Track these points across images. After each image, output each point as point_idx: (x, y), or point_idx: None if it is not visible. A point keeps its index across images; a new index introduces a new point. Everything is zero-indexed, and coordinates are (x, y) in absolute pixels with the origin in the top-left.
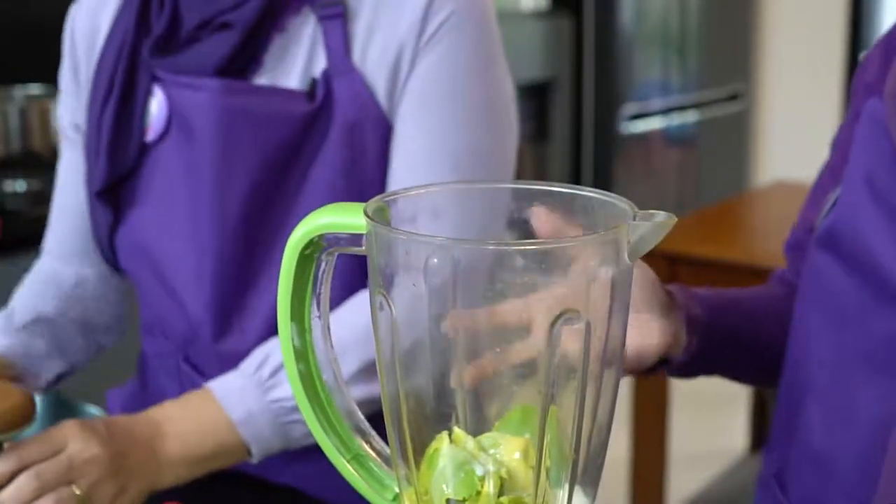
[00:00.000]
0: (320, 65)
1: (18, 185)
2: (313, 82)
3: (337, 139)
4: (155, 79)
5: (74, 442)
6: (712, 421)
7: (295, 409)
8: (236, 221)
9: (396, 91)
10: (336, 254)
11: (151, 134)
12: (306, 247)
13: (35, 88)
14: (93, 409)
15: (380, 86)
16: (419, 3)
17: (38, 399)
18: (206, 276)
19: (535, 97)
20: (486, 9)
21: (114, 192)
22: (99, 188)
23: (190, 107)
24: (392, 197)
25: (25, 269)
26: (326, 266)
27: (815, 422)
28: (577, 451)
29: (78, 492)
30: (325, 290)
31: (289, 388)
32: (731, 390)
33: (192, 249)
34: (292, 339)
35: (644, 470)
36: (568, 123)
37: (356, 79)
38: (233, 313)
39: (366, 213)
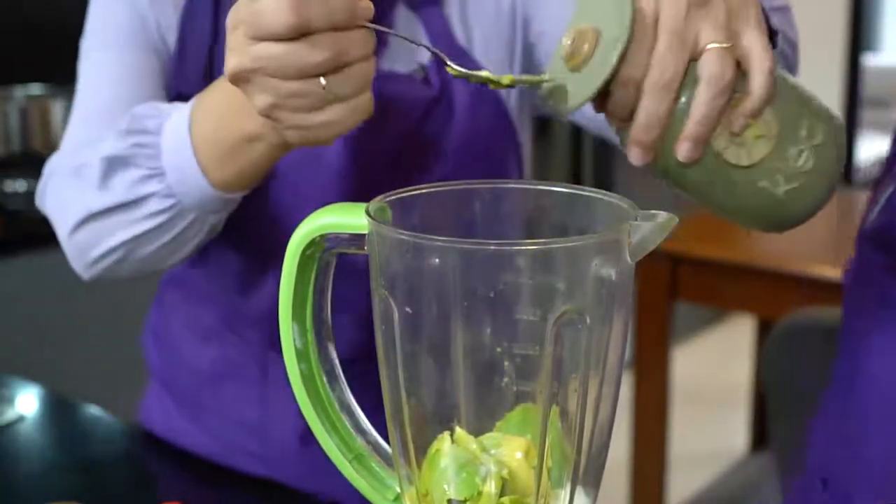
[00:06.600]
0: (424, 53)
1: (18, 185)
2: (423, 69)
3: (460, 120)
4: None
5: None
6: (712, 421)
7: None
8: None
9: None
10: (337, 254)
11: None
12: (308, 247)
13: (35, 88)
14: (93, 409)
15: (492, 63)
16: None
17: (36, 398)
18: None
19: None
20: None
21: None
22: None
23: None
24: (394, 197)
25: (25, 269)
26: (328, 266)
27: (872, 426)
28: (578, 451)
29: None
30: (327, 291)
31: None
32: (732, 390)
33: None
34: (294, 340)
35: (644, 470)
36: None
37: (467, 60)
38: None
39: (367, 213)
